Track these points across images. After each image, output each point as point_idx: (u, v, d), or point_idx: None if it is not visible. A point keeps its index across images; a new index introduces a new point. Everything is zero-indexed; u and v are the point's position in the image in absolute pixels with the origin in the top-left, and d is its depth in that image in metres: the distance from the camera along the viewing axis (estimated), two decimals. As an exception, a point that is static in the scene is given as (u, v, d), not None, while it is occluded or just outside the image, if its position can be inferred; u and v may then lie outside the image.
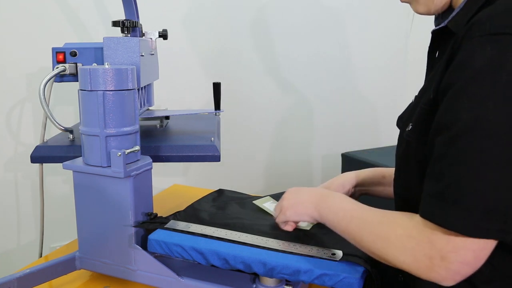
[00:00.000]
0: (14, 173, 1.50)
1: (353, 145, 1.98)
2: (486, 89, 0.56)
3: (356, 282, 0.70)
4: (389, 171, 1.00)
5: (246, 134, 1.93)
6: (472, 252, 0.56)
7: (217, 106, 1.06)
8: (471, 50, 0.59)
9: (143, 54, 0.94)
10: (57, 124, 0.94)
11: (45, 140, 1.00)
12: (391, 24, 2.04)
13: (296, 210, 0.79)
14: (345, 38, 2.02)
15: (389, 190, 0.98)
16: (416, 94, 0.80)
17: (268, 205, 0.94)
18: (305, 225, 0.87)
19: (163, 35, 1.11)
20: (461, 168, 0.57)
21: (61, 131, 1.01)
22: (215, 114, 1.12)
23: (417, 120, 0.71)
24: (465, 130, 0.57)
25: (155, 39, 1.10)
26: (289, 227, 0.83)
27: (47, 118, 0.94)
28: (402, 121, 0.81)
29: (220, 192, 1.09)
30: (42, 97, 0.89)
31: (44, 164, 1.02)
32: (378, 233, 0.65)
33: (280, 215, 0.82)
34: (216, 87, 1.05)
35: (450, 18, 0.71)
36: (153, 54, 1.08)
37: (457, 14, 0.70)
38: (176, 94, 1.73)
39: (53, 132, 1.07)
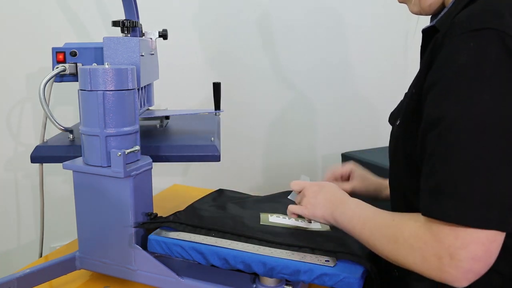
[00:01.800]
0: (14, 173, 1.50)
1: (353, 145, 1.98)
2: (471, 83, 0.58)
3: (356, 282, 0.71)
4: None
5: (246, 134, 1.93)
6: (481, 245, 0.55)
7: (217, 106, 1.06)
8: (454, 47, 0.61)
9: (143, 54, 0.94)
10: (57, 124, 0.94)
11: (45, 140, 1.00)
12: (391, 25, 2.04)
13: (314, 212, 0.80)
14: (345, 38, 2.02)
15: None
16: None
17: (274, 219, 0.94)
18: (319, 226, 0.87)
19: (163, 35, 1.11)
20: (453, 162, 0.57)
21: (61, 131, 1.01)
22: (215, 114, 1.12)
23: (403, 115, 0.73)
24: (453, 124, 0.58)
25: (155, 39, 1.10)
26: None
27: (47, 118, 0.94)
28: (393, 118, 0.83)
29: (220, 192, 1.09)
30: (42, 97, 0.89)
31: (44, 164, 1.02)
32: (388, 236, 0.65)
33: (299, 209, 0.83)
34: (216, 87, 1.05)
35: (438, 17, 0.74)
36: (153, 54, 1.08)
37: (445, 14, 0.72)
38: (176, 94, 1.73)
39: (53, 132, 1.07)
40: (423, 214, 0.60)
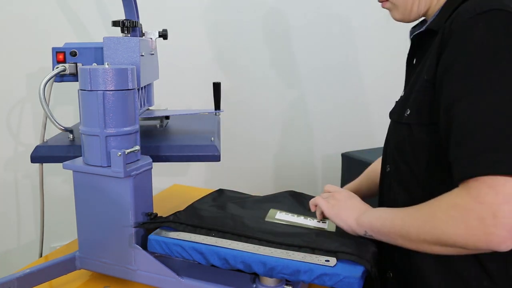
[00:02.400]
0: (14, 173, 1.50)
1: (353, 145, 1.98)
2: (491, 55, 0.62)
3: (356, 282, 0.70)
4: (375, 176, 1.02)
5: (246, 134, 1.93)
6: None
7: (217, 106, 1.06)
8: (464, 30, 0.65)
9: (143, 54, 0.94)
10: (57, 124, 0.94)
11: (45, 140, 1.00)
12: (392, 26, 2.04)
13: (339, 212, 0.81)
14: (345, 40, 2.02)
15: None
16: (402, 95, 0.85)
17: (281, 215, 0.93)
18: (325, 226, 0.88)
19: (163, 35, 1.11)
20: (487, 123, 0.60)
21: (61, 131, 1.01)
22: (215, 114, 1.12)
23: (414, 104, 0.75)
24: (482, 92, 0.61)
25: (155, 39, 1.10)
26: (319, 215, 0.88)
27: (47, 118, 0.94)
28: (396, 113, 0.84)
29: (220, 192, 1.09)
30: (42, 97, 0.89)
31: (44, 164, 1.02)
32: (423, 217, 0.64)
33: (325, 204, 0.84)
34: (216, 87, 1.05)
35: (428, 23, 0.77)
36: (153, 54, 1.08)
37: (435, 17, 0.76)
38: (176, 94, 1.73)
39: (53, 132, 1.07)
40: (460, 179, 0.60)
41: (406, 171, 0.79)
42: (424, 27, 0.78)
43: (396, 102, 0.87)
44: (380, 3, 0.84)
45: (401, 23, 0.85)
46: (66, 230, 1.43)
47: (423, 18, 0.84)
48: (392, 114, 0.87)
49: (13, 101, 1.46)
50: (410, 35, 0.87)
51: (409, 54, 0.86)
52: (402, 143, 0.79)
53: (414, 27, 0.88)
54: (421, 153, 0.74)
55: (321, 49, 1.99)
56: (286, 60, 1.93)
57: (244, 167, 1.95)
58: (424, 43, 0.79)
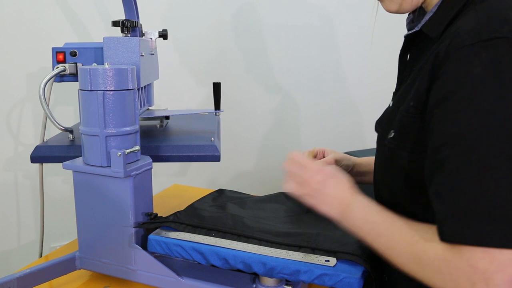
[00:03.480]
0: (14, 173, 1.50)
1: (353, 145, 1.98)
2: (491, 95, 0.54)
3: (356, 282, 0.71)
4: (360, 160, 1.02)
5: (247, 134, 1.93)
6: None
7: (217, 106, 1.06)
8: (464, 58, 0.57)
9: (143, 54, 0.94)
10: (57, 124, 0.94)
11: (45, 140, 1.00)
12: (389, 23, 2.04)
13: (319, 206, 0.72)
14: (345, 40, 2.02)
15: (367, 179, 1.00)
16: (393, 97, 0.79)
17: None
18: None
19: (163, 35, 1.11)
20: (482, 180, 0.53)
21: (61, 131, 1.01)
22: (215, 114, 1.12)
23: (400, 127, 0.69)
24: (477, 141, 0.54)
25: (155, 39, 1.10)
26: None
27: (47, 118, 0.94)
28: (381, 126, 0.79)
29: (220, 192, 1.09)
30: (42, 97, 0.89)
31: (44, 164, 1.02)
32: (409, 255, 0.60)
33: (301, 193, 0.74)
34: (216, 87, 1.05)
35: (423, 22, 0.70)
36: (153, 54, 1.08)
37: (431, 18, 0.68)
38: (176, 94, 1.73)
39: (53, 132, 1.07)
40: (449, 240, 0.55)
41: (387, 192, 0.76)
42: (419, 26, 0.71)
43: (384, 111, 0.82)
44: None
45: (399, 22, 0.80)
46: (66, 230, 1.44)
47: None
48: (377, 126, 0.82)
49: (13, 101, 1.46)
50: (407, 26, 0.79)
51: (402, 50, 0.78)
52: (384, 163, 0.74)
53: (408, 23, 0.80)
54: (403, 179, 0.69)
55: (321, 49, 1.99)
56: (287, 60, 1.93)
57: (244, 167, 1.95)
58: (420, 40, 0.73)
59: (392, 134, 0.71)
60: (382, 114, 0.82)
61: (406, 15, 0.80)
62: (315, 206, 0.72)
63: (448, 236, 0.55)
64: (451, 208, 0.55)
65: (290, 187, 0.75)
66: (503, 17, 0.57)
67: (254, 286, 0.80)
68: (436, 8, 0.68)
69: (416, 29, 0.72)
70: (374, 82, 2.12)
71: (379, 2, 0.76)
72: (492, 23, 0.57)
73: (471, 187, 0.54)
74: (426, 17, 0.70)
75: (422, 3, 0.73)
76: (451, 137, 0.56)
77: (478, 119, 0.54)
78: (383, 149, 0.75)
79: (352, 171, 1.00)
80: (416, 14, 0.77)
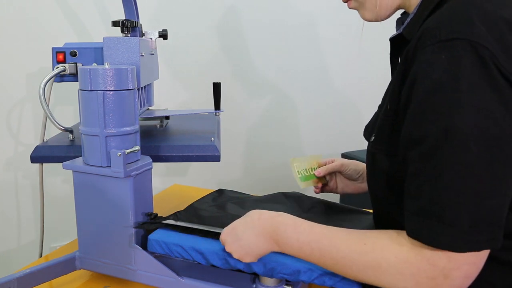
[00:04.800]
0: (14, 173, 1.50)
1: (353, 145, 1.98)
2: (448, 99, 0.55)
3: (356, 282, 0.70)
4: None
5: (246, 134, 1.93)
6: (474, 265, 0.56)
7: (217, 106, 1.06)
8: (426, 61, 0.57)
9: (143, 54, 0.94)
10: (57, 124, 0.94)
11: (45, 140, 1.00)
12: (392, 21, 2.05)
13: (254, 256, 0.72)
14: (345, 38, 2.02)
15: (365, 186, 0.99)
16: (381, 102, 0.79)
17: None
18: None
19: (163, 35, 1.11)
20: (439, 183, 0.55)
21: (61, 131, 1.01)
22: (215, 114, 1.12)
23: (378, 131, 0.70)
24: (436, 144, 0.56)
25: (155, 39, 1.10)
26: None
27: (47, 118, 0.94)
28: (367, 131, 0.80)
29: (220, 192, 1.09)
30: (42, 97, 0.89)
31: (44, 164, 1.02)
32: (364, 263, 0.61)
33: (236, 257, 0.74)
34: (216, 87, 1.05)
35: (405, 25, 0.70)
36: (153, 54, 1.08)
37: (411, 20, 0.69)
38: (176, 94, 1.73)
39: (53, 132, 1.07)
40: (411, 236, 0.58)
41: (373, 199, 0.76)
42: (401, 29, 0.70)
43: (374, 115, 0.82)
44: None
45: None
46: (66, 230, 1.43)
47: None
48: (365, 131, 0.82)
49: (13, 101, 1.46)
50: (396, 25, 0.79)
51: (390, 53, 0.77)
52: (369, 169, 0.75)
53: (397, 25, 0.79)
54: (385, 184, 0.70)
55: (321, 49, 1.99)
56: (286, 60, 1.93)
57: (244, 167, 1.95)
58: (403, 43, 0.71)
59: (373, 138, 0.72)
60: (370, 120, 0.83)
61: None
62: (253, 259, 0.73)
63: (412, 233, 0.58)
64: (415, 208, 0.58)
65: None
66: (465, 16, 0.57)
67: (254, 286, 0.80)
68: (415, 10, 0.69)
69: (398, 32, 0.72)
70: (376, 81, 2.12)
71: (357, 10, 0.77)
72: (452, 23, 0.57)
73: (431, 189, 0.56)
74: (407, 20, 0.70)
75: (403, 6, 0.73)
76: (415, 140, 0.58)
77: (436, 123, 0.56)
78: (368, 155, 0.75)
79: (361, 177, 1.01)
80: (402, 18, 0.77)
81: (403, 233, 0.60)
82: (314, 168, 1.02)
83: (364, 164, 1.01)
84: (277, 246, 0.70)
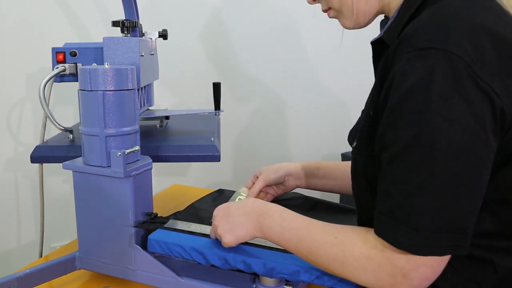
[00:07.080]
0: (14, 173, 1.50)
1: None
2: (419, 107, 0.56)
3: (355, 284, 0.70)
4: (325, 164, 1.02)
5: (246, 134, 1.93)
6: (431, 268, 0.58)
7: (217, 106, 1.06)
8: (401, 68, 0.58)
9: (143, 54, 0.94)
10: (57, 124, 0.94)
11: (45, 140, 1.00)
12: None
13: (236, 234, 0.75)
14: (345, 38, 2.02)
15: (323, 183, 1.01)
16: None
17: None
18: None
19: (163, 35, 1.11)
20: (406, 187, 0.57)
21: (61, 131, 1.01)
22: (215, 114, 1.12)
23: (360, 136, 0.71)
24: (405, 149, 0.57)
25: (155, 39, 1.10)
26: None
27: (47, 118, 0.94)
28: (351, 136, 0.81)
29: (220, 192, 1.10)
30: (42, 97, 0.89)
31: (44, 164, 1.02)
32: (333, 255, 0.64)
33: (221, 241, 0.77)
34: (216, 87, 1.05)
35: (385, 28, 0.70)
36: (153, 54, 1.08)
37: (391, 25, 0.69)
38: (176, 94, 1.73)
39: (53, 132, 1.07)
40: (378, 235, 0.60)
41: (357, 204, 0.77)
42: (380, 34, 0.71)
43: (357, 120, 0.83)
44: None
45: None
46: (66, 230, 1.43)
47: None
48: (349, 136, 0.83)
49: (13, 101, 1.46)
50: (380, 27, 0.79)
51: (373, 56, 0.78)
52: (354, 173, 0.75)
53: (384, 20, 0.79)
54: (370, 185, 0.69)
55: (321, 49, 1.99)
56: (286, 59, 1.93)
57: (244, 167, 1.95)
58: (384, 47, 0.71)
59: (355, 143, 0.73)
60: (354, 125, 0.84)
61: None
62: (236, 240, 0.75)
63: (378, 232, 0.61)
64: (382, 208, 0.60)
65: (212, 235, 0.80)
66: (442, 24, 0.57)
67: (254, 286, 0.80)
68: (396, 14, 0.69)
69: (378, 36, 0.72)
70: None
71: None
72: (430, 31, 0.57)
73: (398, 192, 0.58)
74: (388, 24, 0.70)
75: (382, 11, 0.73)
76: (386, 144, 0.60)
77: (406, 129, 0.57)
78: (352, 160, 0.76)
79: (292, 177, 1.02)
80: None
81: (372, 230, 0.62)
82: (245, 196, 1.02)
83: (289, 163, 1.04)
84: (260, 231, 0.73)
